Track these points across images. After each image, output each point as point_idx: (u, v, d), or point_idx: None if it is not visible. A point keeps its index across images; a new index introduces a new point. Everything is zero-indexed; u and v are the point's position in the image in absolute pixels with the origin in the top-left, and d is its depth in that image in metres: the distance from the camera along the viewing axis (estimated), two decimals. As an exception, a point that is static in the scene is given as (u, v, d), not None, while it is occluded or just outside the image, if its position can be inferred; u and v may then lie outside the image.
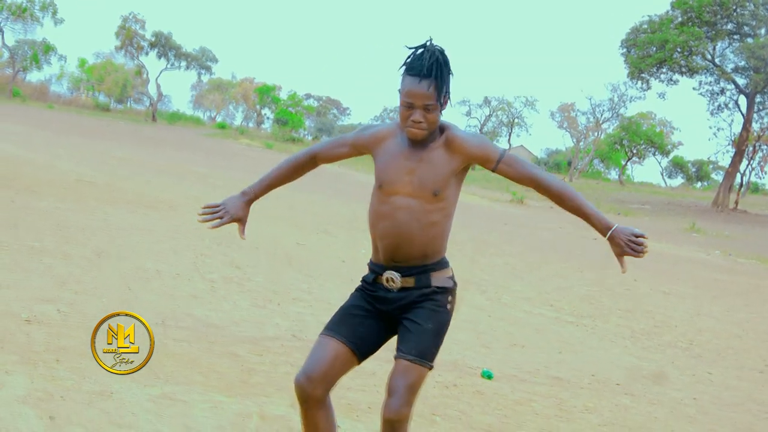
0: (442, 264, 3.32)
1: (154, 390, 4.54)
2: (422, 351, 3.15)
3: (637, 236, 3.17)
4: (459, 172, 3.24)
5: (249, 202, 3.52)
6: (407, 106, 3.10)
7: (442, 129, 3.23)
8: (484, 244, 17.56)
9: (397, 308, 3.25)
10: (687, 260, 21.16)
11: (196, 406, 4.50)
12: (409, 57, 3.13)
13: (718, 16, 43.27)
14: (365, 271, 3.44)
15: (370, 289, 3.32)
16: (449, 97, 3.19)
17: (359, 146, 3.38)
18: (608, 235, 3.19)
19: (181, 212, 13.68)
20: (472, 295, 10.57)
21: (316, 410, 3.14)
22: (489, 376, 6.57)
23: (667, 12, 45.08)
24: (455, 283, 3.38)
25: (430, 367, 3.17)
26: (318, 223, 15.81)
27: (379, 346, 3.34)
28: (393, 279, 3.23)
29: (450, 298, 3.31)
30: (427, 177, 3.16)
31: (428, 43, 3.12)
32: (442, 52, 3.12)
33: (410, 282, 3.23)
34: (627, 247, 3.17)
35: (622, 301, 12.16)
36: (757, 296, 15.35)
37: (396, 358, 3.16)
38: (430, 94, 3.06)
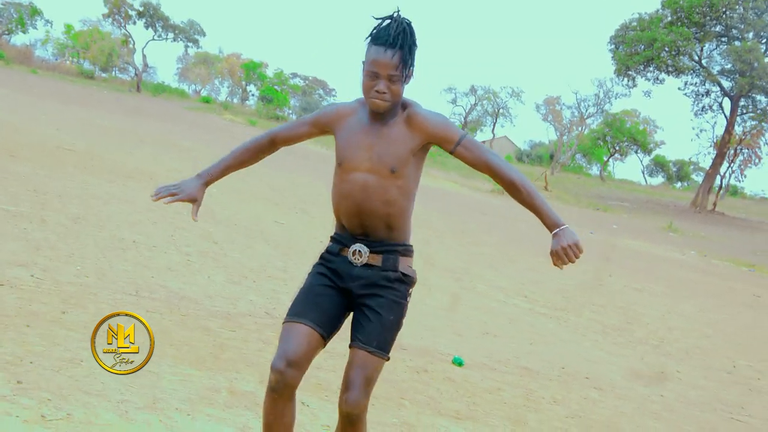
0: (408, 250, 3.25)
1: (125, 360, 4.53)
2: (381, 342, 3.10)
3: (580, 244, 3.09)
4: (418, 152, 3.16)
5: (205, 185, 3.41)
6: (371, 76, 3.04)
7: (405, 106, 3.17)
8: (462, 232, 17.61)
9: (358, 286, 3.18)
10: (662, 259, 21.31)
11: (165, 377, 4.49)
12: (375, 27, 3.07)
13: (708, 18, 43.45)
14: None
15: (331, 262, 3.24)
16: (413, 70, 3.12)
17: (321, 124, 3.31)
18: (555, 231, 3.10)
19: (161, 184, 13.61)
20: (447, 282, 10.61)
21: (287, 400, 3.06)
22: (460, 363, 6.60)
23: (657, 11, 45.24)
24: (415, 279, 3.29)
25: (387, 358, 3.14)
26: (298, 202, 15.81)
27: (340, 324, 3.25)
28: (360, 252, 3.16)
29: (410, 290, 3.26)
30: (385, 153, 3.09)
31: (395, 14, 3.06)
32: (409, 23, 3.07)
33: (377, 260, 3.16)
34: (563, 250, 3.06)
35: (595, 296, 12.24)
36: (729, 298, 15.48)
37: (353, 347, 3.10)
38: (395, 64, 3.00)
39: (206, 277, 7.71)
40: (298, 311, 3.15)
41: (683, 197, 51.06)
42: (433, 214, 19.77)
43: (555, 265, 3.10)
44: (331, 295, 3.20)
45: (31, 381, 3.92)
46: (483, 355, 7.22)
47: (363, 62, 3.09)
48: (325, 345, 3.17)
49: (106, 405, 3.88)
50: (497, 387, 6.18)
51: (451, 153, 3.17)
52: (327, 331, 3.15)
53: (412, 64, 3.09)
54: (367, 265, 3.17)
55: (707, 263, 22.30)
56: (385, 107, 3.07)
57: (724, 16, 43.71)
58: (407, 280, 3.22)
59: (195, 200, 3.37)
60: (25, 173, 10.99)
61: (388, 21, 3.06)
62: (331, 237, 3.31)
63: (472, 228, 19.46)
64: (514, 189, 3.16)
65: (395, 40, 3.00)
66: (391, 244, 3.18)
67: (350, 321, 3.23)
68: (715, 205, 43.00)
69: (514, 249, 16.82)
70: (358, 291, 3.18)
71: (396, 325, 3.18)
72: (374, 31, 3.06)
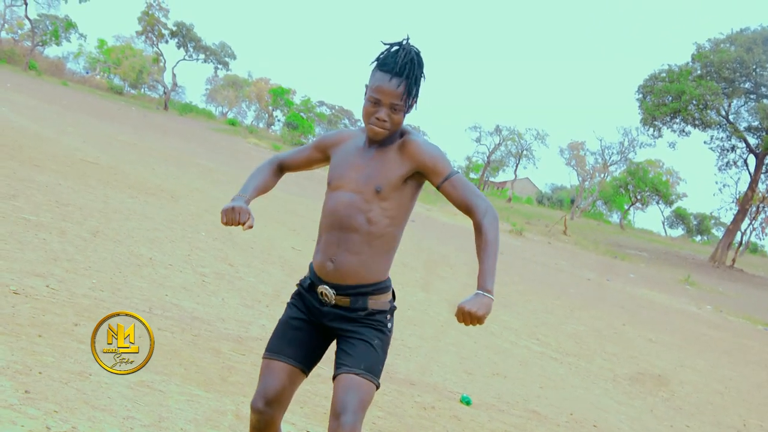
0: (382, 288, 3.14)
1: (133, 376, 4.52)
2: (370, 366, 2.99)
3: (481, 317, 2.92)
4: (409, 180, 3.08)
5: (247, 204, 3.19)
6: (374, 102, 2.99)
7: (402, 133, 3.13)
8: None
9: (330, 321, 3.12)
10: (677, 311, 21.15)
11: (172, 396, 4.49)
12: (383, 53, 3.02)
13: (737, 74, 43.44)
14: None
15: (304, 297, 3.21)
16: (417, 101, 3.07)
17: (322, 147, 3.28)
18: (476, 292, 2.96)
19: (182, 203, 13.69)
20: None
21: None
22: (468, 402, 6.56)
23: (687, 63, 45.24)
24: (394, 306, 3.21)
25: (378, 385, 3.02)
26: (316, 230, 15.83)
27: (322, 356, 3.20)
28: (327, 294, 3.10)
29: (389, 317, 3.16)
30: (373, 174, 3.04)
31: (405, 42, 3.01)
32: (417, 53, 3.00)
33: (345, 302, 3.09)
34: (466, 312, 2.91)
35: (608, 344, 12.15)
36: (742, 355, 15.33)
37: (340, 374, 2.97)
38: (399, 93, 2.95)
39: (220, 299, 7.72)
40: (274, 347, 3.12)
41: (702, 251, 50.76)
42: (450, 250, 19.76)
43: (456, 316, 2.97)
44: (308, 329, 3.15)
45: (39, 391, 3.93)
46: (492, 396, 7.17)
47: (366, 86, 3.04)
48: (305, 377, 3.13)
49: (112, 420, 3.87)
50: (504, 429, 6.14)
51: (437, 187, 3.08)
52: (306, 365, 3.11)
53: (416, 95, 3.03)
54: (336, 306, 3.11)
55: (723, 319, 22.11)
56: (383, 135, 3.03)
57: (754, 73, 43.69)
58: (383, 311, 3.14)
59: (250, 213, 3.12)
60: (49, 184, 11.07)
61: (396, 48, 3.00)
62: (309, 266, 3.25)
63: (489, 267, 19.39)
64: (479, 236, 3.03)
65: (402, 69, 2.95)
66: (357, 286, 3.08)
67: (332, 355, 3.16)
68: (734, 261, 42.69)
69: (529, 290, 16.74)
70: (330, 324, 3.12)
71: (382, 351, 3.09)
72: (381, 56, 3.01)
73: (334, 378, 2.99)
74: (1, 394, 3.78)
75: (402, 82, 2.95)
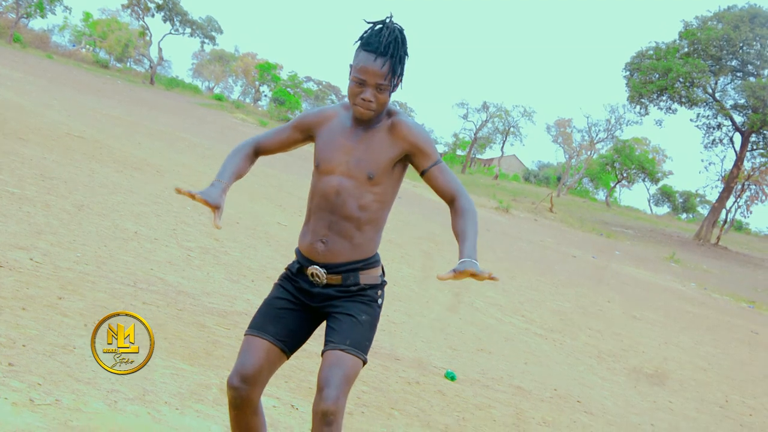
0: (372, 263, 3.14)
1: (117, 350, 4.52)
2: (357, 342, 2.97)
3: (482, 272, 2.82)
4: (397, 163, 3.08)
5: (224, 191, 3.11)
6: (359, 83, 2.95)
7: (390, 113, 3.09)
8: (465, 247, 17.56)
9: (321, 301, 3.10)
10: (662, 289, 21.27)
11: (157, 370, 4.49)
12: (366, 32, 2.98)
13: (724, 52, 43.49)
14: None
15: (293, 279, 3.17)
16: (402, 79, 3.04)
17: (304, 128, 3.21)
18: (465, 259, 2.86)
19: (168, 177, 13.64)
20: (445, 296, 10.59)
21: (251, 414, 3.01)
22: (452, 378, 6.59)
23: (675, 41, 45.26)
24: (384, 281, 3.21)
25: (365, 361, 3.00)
26: (302, 205, 15.79)
27: (307, 339, 3.18)
28: (318, 274, 3.08)
29: (379, 292, 3.16)
30: (363, 159, 3.02)
31: (388, 20, 2.97)
32: (401, 30, 2.98)
33: (337, 279, 3.07)
34: (461, 272, 2.82)
35: (593, 320, 12.22)
36: (726, 332, 15.44)
37: (327, 350, 2.95)
38: (384, 73, 2.93)
39: (205, 273, 7.71)
40: (258, 324, 3.08)
41: (687, 229, 50.98)
42: (436, 227, 19.75)
43: (440, 278, 2.87)
44: (293, 310, 3.12)
45: (23, 364, 3.92)
46: (476, 371, 7.21)
47: (351, 65, 3.01)
48: (287, 358, 3.10)
49: (96, 393, 3.87)
50: (488, 404, 6.17)
51: (422, 172, 3.08)
52: (288, 346, 3.08)
53: (401, 74, 3.02)
54: (328, 285, 3.09)
55: (707, 296, 22.26)
56: (369, 116, 3.01)
57: (740, 51, 43.74)
58: (374, 286, 3.13)
59: (218, 207, 3.03)
60: (34, 157, 11.00)
61: (380, 27, 2.97)
62: (295, 252, 3.22)
63: (475, 244, 19.42)
64: (462, 214, 3.03)
65: (386, 48, 2.92)
66: (348, 263, 3.08)
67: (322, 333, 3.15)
68: (719, 239, 42.89)
69: (514, 266, 16.79)
70: (320, 304, 3.11)
71: (370, 326, 3.07)
72: (365, 35, 2.98)
73: (322, 355, 2.98)
74: (-15, 366, 3.77)
75: (386, 61, 2.93)
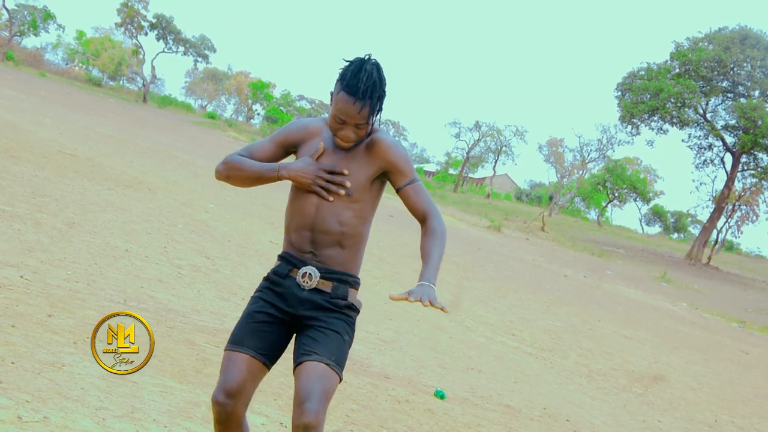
0: (356, 283, 3.19)
1: (106, 367, 4.52)
2: (338, 359, 3.00)
3: (433, 301, 2.85)
4: (375, 180, 3.14)
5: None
6: (339, 122, 3.02)
7: (369, 132, 3.13)
8: (456, 265, 17.60)
9: (305, 309, 3.10)
10: (653, 308, 21.30)
11: (146, 388, 4.49)
12: (346, 71, 3.01)
13: (715, 73, 43.75)
14: None
15: (278, 285, 3.16)
16: (381, 113, 3.09)
17: (288, 144, 3.23)
18: (423, 282, 2.93)
19: (159, 195, 13.65)
20: (436, 314, 10.60)
21: (236, 429, 3.02)
22: (441, 396, 6.59)
23: (666, 62, 45.51)
24: (359, 308, 3.22)
25: (341, 377, 3.01)
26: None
27: (284, 349, 3.17)
28: (311, 275, 3.08)
29: (356, 317, 3.20)
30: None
31: (367, 59, 3.02)
32: (379, 70, 3.02)
33: (327, 285, 3.10)
34: (416, 294, 2.85)
35: (583, 339, 12.23)
36: (716, 352, 15.47)
37: (306, 361, 2.94)
38: (364, 116, 2.99)
39: (196, 291, 7.71)
40: (237, 339, 3.08)
41: (679, 248, 51.10)
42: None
43: (391, 298, 2.92)
44: (272, 322, 3.12)
45: (11, 381, 3.92)
46: (465, 390, 7.21)
47: (332, 94, 3.06)
48: (268, 371, 3.10)
49: (84, 411, 3.87)
50: (477, 423, 6.17)
51: (398, 190, 3.14)
52: (269, 358, 3.08)
53: (380, 110, 3.07)
54: (315, 290, 3.11)
55: (698, 316, 22.29)
56: (348, 147, 3.08)
57: (731, 72, 44.04)
58: (354, 309, 3.17)
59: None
60: (25, 175, 11.01)
61: (358, 67, 3.00)
62: (280, 256, 3.23)
63: (466, 262, 19.45)
64: (431, 235, 3.11)
65: (365, 93, 2.96)
66: (342, 273, 3.12)
67: (293, 345, 3.15)
68: (710, 258, 43.00)
69: (506, 285, 16.81)
70: (304, 313, 3.11)
71: (347, 346, 3.10)
72: (345, 76, 3.01)
73: (298, 364, 2.97)
74: (-27, 383, 3.77)
75: (365, 105, 2.98)
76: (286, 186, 3.26)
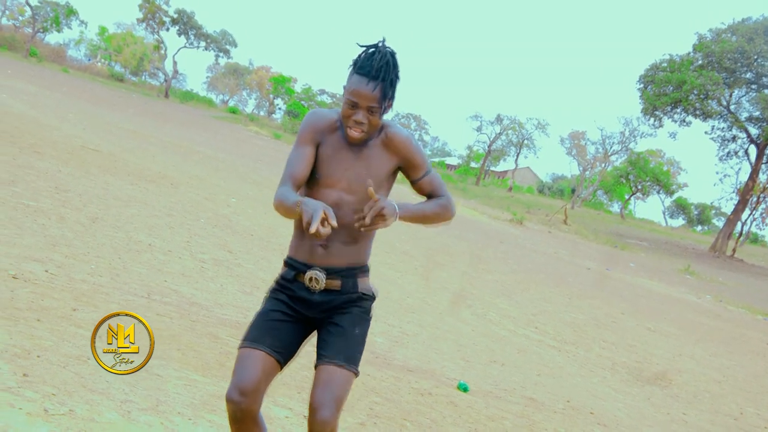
0: (364, 271, 3.22)
1: (131, 361, 4.55)
2: (349, 356, 3.04)
3: (386, 215, 2.91)
4: (391, 174, 3.20)
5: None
6: (351, 105, 3.02)
7: (382, 126, 3.16)
8: (478, 259, 17.58)
9: (319, 311, 3.15)
10: (677, 301, 21.17)
11: (170, 381, 4.51)
12: (359, 55, 3.04)
13: (739, 64, 43.34)
14: None
15: (288, 289, 3.19)
16: (393, 102, 3.10)
17: (316, 137, 3.17)
18: (397, 203, 3.01)
19: (182, 190, 13.70)
20: (459, 308, 10.59)
21: (252, 426, 3.01)
22: (465, 389, 6.58)
23: (689, 53, 45.14)
24: (375, 295, 3.27)
25: (357, 373, 3.06)
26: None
27: (299, 349, 3.19)
28: (317, 279, 3.11)
29: (372, 305, 3.24)
30: (363, 174, 3.10)
31: (380, 44, 3.03)
32: (393, 54, 3.04)
33: (336, 284, 3.14)
34: (383, 200, 2.92)
35: (606, 332, 12.17)
36: (741, 345, 15.35)
37: (320, 364, 3.02)
38: (376, 96, 2.99)
39: (219, 285, 7.74)
40: (253, 336, 3.10)
41: (703, 241, 50.77)
42: (450, 240, 19.76)
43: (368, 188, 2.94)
44: (288, 321, 3.15)
45: (37, 375, 3.95)
46: (489, 383, 7.20)
47: (344, 87, 3.06)
48: (281, 369, 3.11)
49: (109, 404, 3.90)
50: (501, 415, 6.16)
51: (414, 181, 3.21)
52: (283, 357, 3.09)
53: (392, 97, 3.07)
54: (325, 291, 3.14)
55: (722, 309, 22.12)
56: (360, 139, 3.07)
57: (755, 63, 43.60)
58: (368, 297, 3.21)
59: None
60: (49, 170, 11.08)
61: (372, 51, 3.02)
62: (285, 261, 3.26)
63: (488, 255, 19.42)
64: (437, 199, 3.26)
65: (378, 72, 2.98)
66: (346, 268, 3.15)
67: (314, 344, 3.18)
68: (734, 251, 42.69)
69: (528, 278, 16.76)
70: (319, 316, 3.15)
71: (362, 339, 3.14)
72: (358, 59, 3.04)
73: (315, 366, 3.04)
74: (0, 377, 3.80)
75: (378, 85, 2.99)
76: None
